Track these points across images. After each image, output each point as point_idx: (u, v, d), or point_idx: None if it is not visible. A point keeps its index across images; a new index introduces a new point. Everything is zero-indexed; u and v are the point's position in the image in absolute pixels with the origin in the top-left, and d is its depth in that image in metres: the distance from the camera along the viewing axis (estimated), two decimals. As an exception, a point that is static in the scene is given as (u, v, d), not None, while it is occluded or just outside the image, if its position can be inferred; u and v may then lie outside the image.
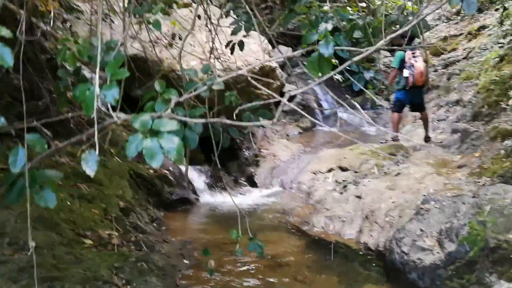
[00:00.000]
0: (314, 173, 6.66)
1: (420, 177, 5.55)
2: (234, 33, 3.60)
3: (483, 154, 5.77)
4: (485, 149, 5.85)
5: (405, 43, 7.14)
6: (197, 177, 6.47)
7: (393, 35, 2.12)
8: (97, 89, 1.67)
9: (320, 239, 4.92)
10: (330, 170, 6.55)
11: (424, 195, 4.75)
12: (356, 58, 2.00)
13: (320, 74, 2.00)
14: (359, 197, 5.48)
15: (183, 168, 6.37)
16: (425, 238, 3.77)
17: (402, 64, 6.87)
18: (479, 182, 5.08)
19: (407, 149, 6.58)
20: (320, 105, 10.45)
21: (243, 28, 3.49)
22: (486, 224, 3.42)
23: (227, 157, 7.31)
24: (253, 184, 6.95)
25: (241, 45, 3.78)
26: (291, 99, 9.77)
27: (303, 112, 2.14)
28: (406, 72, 6.78)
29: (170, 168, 6.05)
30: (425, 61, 7.20)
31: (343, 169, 6.43)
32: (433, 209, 4.00)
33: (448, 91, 9.07)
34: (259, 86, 2.27)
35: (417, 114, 7.74)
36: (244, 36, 4.19)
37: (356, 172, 6.19)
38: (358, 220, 5.05)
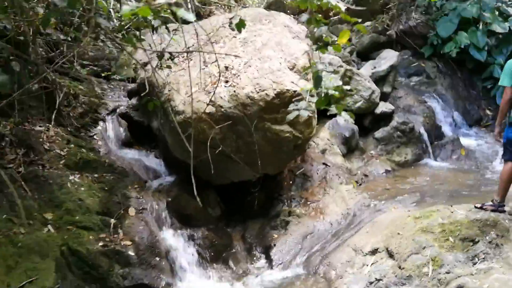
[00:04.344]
0: (355, 251, 4.33)
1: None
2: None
3: None
4: None
5: None
6: (184, 246, 4.66)
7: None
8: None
9: None
10: (374, 252, 4.15)
11: None
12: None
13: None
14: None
15: (164, 234, 4.70)
16: None
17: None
18: None
19: (509, 228, 3.77)
20: (436, 128, 7.56)
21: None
22: None
23: (255, 211, 5.35)
24: (270, 260, 4.82)
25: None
26: (383, 120, 7.19)
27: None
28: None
29: (135, 238, 4.42)
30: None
31: (390, 254, 3.98)
32: None
33: None
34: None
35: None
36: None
37: (400, 267, 3.71)
38: None
